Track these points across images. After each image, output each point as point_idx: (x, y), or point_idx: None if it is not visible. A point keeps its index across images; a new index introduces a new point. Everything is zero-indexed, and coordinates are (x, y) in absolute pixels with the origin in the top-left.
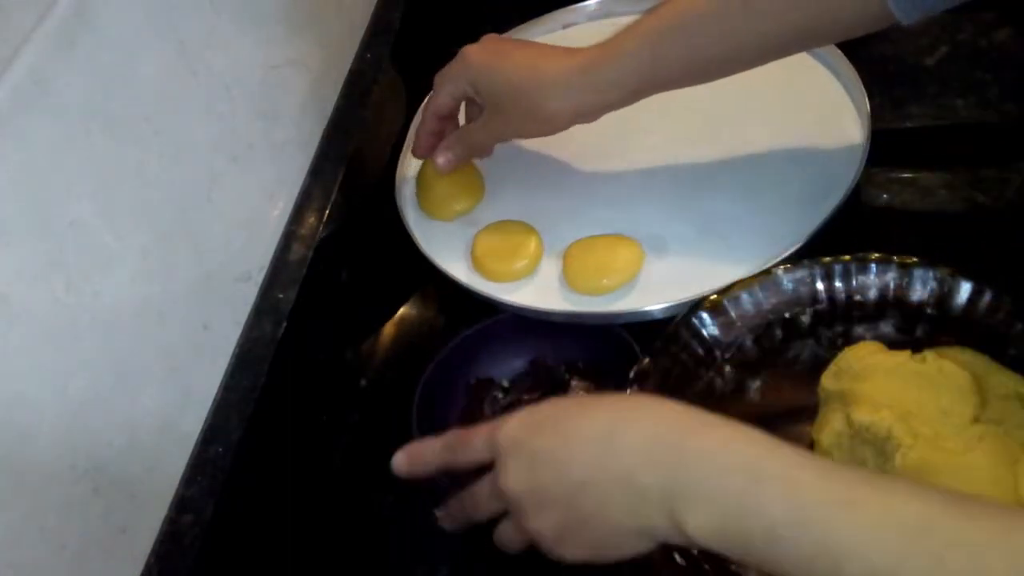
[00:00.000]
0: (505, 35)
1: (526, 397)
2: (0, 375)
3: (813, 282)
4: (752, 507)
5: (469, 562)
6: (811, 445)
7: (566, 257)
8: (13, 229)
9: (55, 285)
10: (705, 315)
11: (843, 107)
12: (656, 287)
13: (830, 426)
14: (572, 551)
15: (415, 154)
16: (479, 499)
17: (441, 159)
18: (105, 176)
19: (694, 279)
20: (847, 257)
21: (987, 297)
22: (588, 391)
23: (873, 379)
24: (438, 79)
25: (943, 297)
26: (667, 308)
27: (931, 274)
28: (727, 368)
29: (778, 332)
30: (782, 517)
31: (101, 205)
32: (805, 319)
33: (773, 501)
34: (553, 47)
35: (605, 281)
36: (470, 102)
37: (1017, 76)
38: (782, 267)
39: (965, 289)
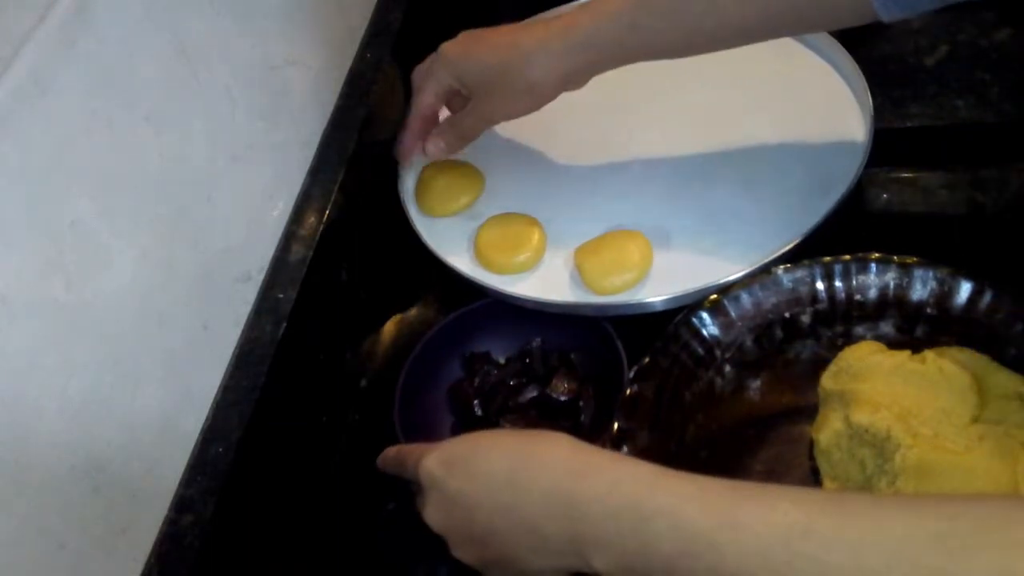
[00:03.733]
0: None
1: (512, 382)
2: (0, 375)
3: (813, 282)
4: (645, 545)
5: None
6: (811, 445)
7: (580, 257)
8: (13, 229)
9: (55, 285)
10: (705, 314)
11: (845, 102)
12: (657, 280)
13: (829, 426)
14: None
15: (399, 157)
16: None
17: (431, 146)
18: (105, 176)
19: (695, 272)
20: (847, 257)
21: (987, 297)
22: (571, 385)
23: (873, 379)
24: (417, 78)
25: (943, 297)
26: (667, 300)
27: (931, 274)
28: (727, 368)
29: (778, 332)
30: (673, 550)
31: (101, 205)
32: (805, 319)
33: (662, 537)
34: (531, 22)
35: (620, 280)
36: (454, 95)
37: (1017, 76)
38: (782, 267)
39: (965, 289)
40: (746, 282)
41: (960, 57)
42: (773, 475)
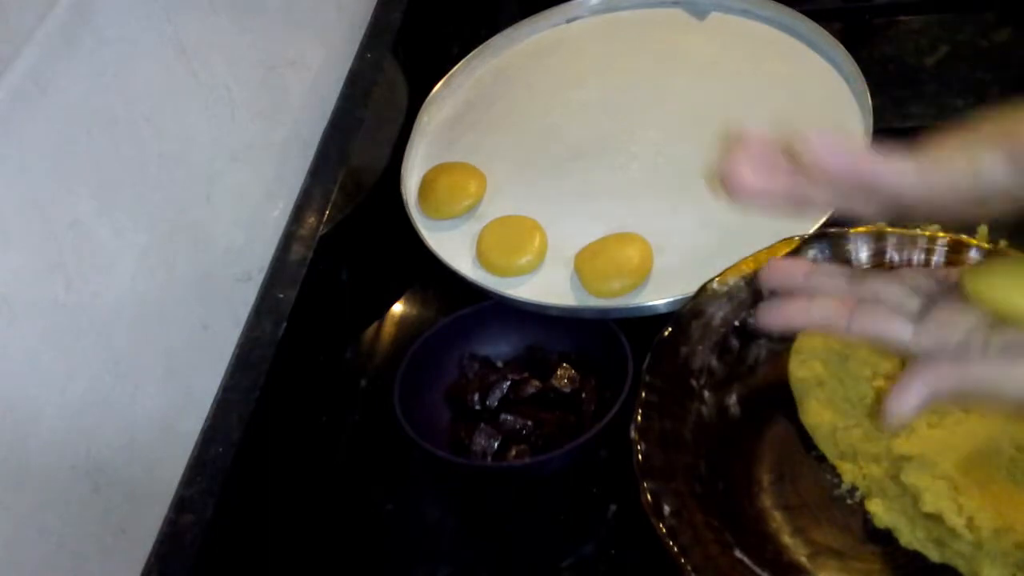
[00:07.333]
0: (504, 32)
1: (515, 376)
2: (0, 375)
3: (748, 282)
4: None
5: (469, 562)
6: (802, 436)
7: (579, 262)
8: (13, 229)
9: (55, 285)
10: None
11: (845, 102)
12: (658, 282)
13: (818, 412)
14: None
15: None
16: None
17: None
18: (105, 176)
19: (696, 273)
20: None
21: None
22: (573, 379)
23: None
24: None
25: (877, 252)
26: (669, 303)
27: (850, 237)
28: (706, 393)
29: (733, 341)
30: None
31: (101, 205)
32: (752, 320)
33: None
34: None
35: (619, 284)
36: None
37: (1017, 76)
38: (716, 279)
39: (891, 241)
40: (690, 305)
41: (960, 57)
42: (784, 480)
